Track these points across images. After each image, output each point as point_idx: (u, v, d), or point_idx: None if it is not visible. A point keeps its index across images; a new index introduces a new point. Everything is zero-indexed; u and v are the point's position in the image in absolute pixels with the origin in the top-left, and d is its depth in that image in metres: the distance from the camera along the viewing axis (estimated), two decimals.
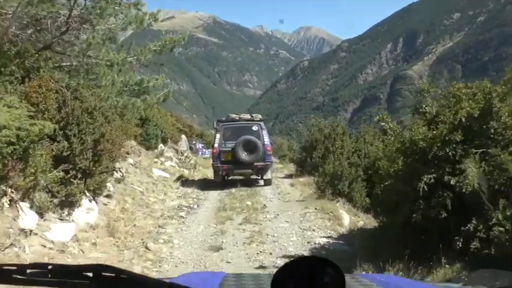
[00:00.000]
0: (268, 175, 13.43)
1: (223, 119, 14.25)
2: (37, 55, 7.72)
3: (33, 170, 5.55)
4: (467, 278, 4.44)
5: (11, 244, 5.04)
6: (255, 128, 13.28)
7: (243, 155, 12.72)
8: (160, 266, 6.42)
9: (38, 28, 8.18)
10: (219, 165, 13.13)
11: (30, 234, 5.68)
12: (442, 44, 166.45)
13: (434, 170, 5.54)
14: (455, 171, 5.40)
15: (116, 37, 9.04)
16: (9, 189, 5.21)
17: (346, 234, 8.20)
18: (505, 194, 5.06)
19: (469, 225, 4.98)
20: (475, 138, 5.71)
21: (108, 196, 9.05)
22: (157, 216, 9.43)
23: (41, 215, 6.26)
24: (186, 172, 16.18)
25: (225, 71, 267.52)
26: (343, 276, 1.08)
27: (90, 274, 1.06)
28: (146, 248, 7.08)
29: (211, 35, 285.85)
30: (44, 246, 5.88)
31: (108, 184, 8.91)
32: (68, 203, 6.99)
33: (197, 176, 16.25)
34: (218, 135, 13.24)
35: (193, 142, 26.97)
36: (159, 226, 8.54)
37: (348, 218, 9.12)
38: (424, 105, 6.64)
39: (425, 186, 5.32)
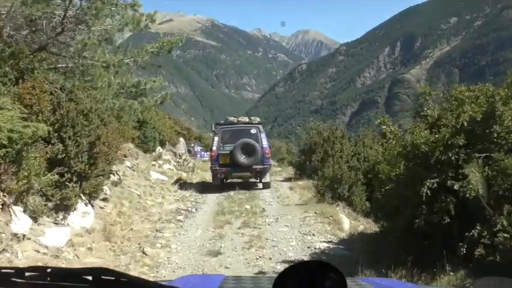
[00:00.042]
0: (267, 178, 13.39)
1: (222, 122, 14.20)
2: (32, 56, 7.59)
3: (26, 173, 5.41)
4: (472, 286, 4.32)
5: (3, 249, 4.91)
6: (253, 131, 13.25)
7: (242, 158, 12.69)
8: (157, 272, 6.29)
9: (33, 29, 8.06)
10: (217, 168, 13.10)
11: (23, 239, 5.54)
12: (440, 48, 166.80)
13: (437, 174, 5.44)
14: (458, 175, 5.30)
15: (113, 38, 8.92)
16: (1, 193, 5.08)
17: (346, 238, 8.08)
18: (510, 199, 4.95)
19: (473, 231, 4.87)
20: (478, 142, 5.61)
21: (104, 199, 8.93)
22: (154, 220, 9.31)
23: (34, 219, 6.12)
24: (184, 175, 16.09)
25: (223, 74, 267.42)
26: (345, 280, 1.07)
27: (90, 277, 1.05)
28: (143, 252, 6.96)
29: (210, 38, 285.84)
30: (38, 252, 5.74)
31: (105, 187, 8.78)
32: (63, 207, 6.85)
33: (195, 179, 16.18)
34: (216, 138, 13.22)
35: (192, 145, 26.92)
36: (156, 230, 8.41)
37: (348, 222, 9.00)
38: (425, 109, 6.55)
39: (428, 191, 5.21)
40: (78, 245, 6.60)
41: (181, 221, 9.24)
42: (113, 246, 7.11)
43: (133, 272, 6.00)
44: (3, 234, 5.05)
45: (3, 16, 7.08)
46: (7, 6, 6.89)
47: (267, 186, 13.44)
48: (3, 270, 1.10)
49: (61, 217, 6.83)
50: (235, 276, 2.04)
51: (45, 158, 6.16)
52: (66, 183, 6.72)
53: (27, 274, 1.09)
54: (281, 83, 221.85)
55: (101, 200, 8.66)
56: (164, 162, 16.75)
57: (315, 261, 1.15)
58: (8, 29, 7.39)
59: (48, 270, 1.09)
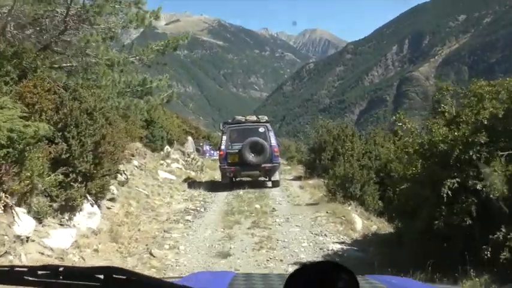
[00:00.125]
0: (276, 176, 13.31)
1: (230, 121, 14.16)
2: (35, 55, 7.43)
3: (28, 174, 5.23)
4: None
5: (6, 252, 4.72)
6: (261, 129, 13.18)
7: (250, 157, 12.64)
8: (165, 274, 6.09)
9: (37, 28, 7.90)
10: (226, 167, 13.06)
11: (27, 241, 5.36)
12: (448, 45, 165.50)
13: (457, 173, 5.19)
14: (479, 175, 5.04)
15: (117, 36, 8.75)
16: (3, 194, 4.90)
17: (359, 239, 7.85)
18: None
19: (498, 233, 4.60)
20: (500, 139, 5.35)
21: (111, 199, 8.75)
22: (162, 220, 9.13)
23: (39, 220, 5.94)
24: (192, 174, 15.96)
25: (230, 73, 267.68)
26: (357, 282, 1.05)
27: (101, 276, 1.06)
28: (151, 254, 6.78)
29: (216, 38, 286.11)
30: (42, 254, 5.56)
31: (112, 187, 8.60)
32: (69, 208, 6.67)
33: (204, 178, 16.05)
34: (225, 137, 13.18)
35: (201, 144, 26.90)
36: (164, 231, 8.23)
37: (361, 222, 8.76)
38: (443, 105, 6.29)
39: (449, 192, 4.95)
40: (84, 247, 6.42)
41: (189, 221, 9.06)
42: (120, 248, 6.93)
43: None
44: (5, 237, 4.88)
45: (5, 15, 6.92)
46: (9, 5, 6.74)
47: (276, 184, 13.36)
48: (16, 269, 1.13)
49: (66, 218, 6.65)
50: (245, 274, 2.06)
51: (48, 158, 5.97)
52: (71, 183, 6.53)
53: (39, 272, 1.10)
54: (289, 81, 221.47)
55: (108, 200, 8.49)
56: (172, 162, 16.61)
57: (327, 261, 1.18)
58: (11, 28, 7.23)
59: (61, 269, 1.11)
